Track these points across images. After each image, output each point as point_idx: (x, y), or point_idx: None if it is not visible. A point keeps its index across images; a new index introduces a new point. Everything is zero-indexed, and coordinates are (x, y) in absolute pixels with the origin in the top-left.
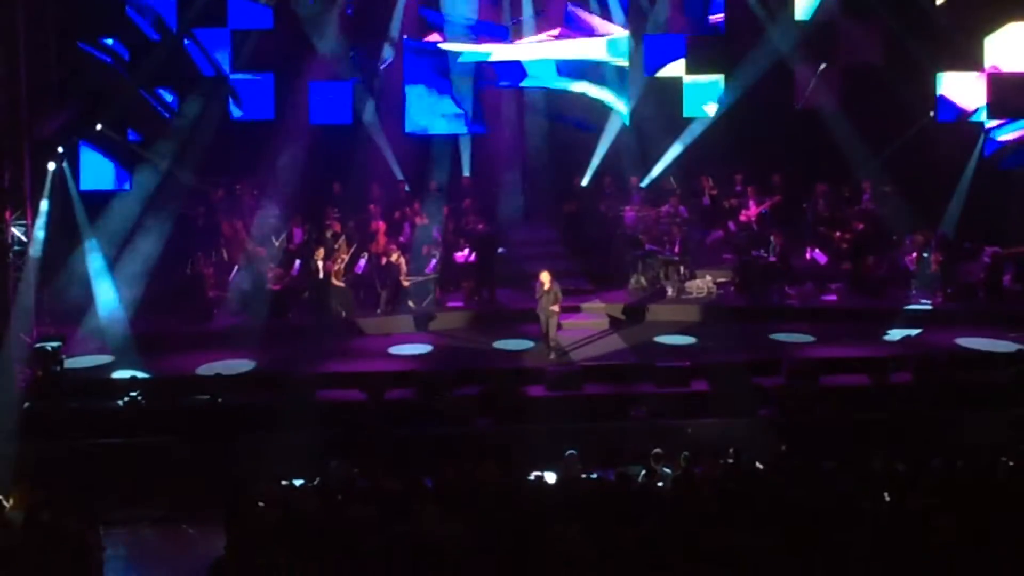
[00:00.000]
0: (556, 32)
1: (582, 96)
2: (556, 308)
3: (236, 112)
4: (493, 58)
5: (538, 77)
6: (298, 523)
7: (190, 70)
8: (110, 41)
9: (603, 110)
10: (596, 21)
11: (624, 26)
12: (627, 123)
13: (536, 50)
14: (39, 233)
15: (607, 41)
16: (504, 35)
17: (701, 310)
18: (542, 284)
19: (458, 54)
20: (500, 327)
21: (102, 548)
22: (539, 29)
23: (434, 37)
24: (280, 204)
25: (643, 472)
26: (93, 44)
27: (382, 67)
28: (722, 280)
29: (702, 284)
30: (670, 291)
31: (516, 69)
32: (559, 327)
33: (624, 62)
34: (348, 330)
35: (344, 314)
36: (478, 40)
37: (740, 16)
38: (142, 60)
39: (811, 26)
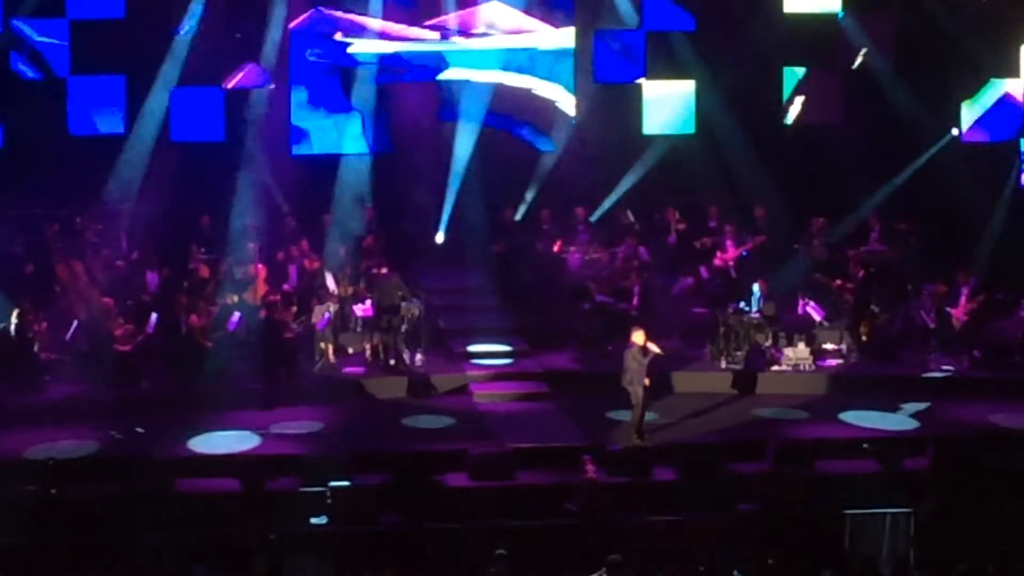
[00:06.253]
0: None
1: (528, 95)
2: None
3: (76, 126)
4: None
5: (464, 67)
6: None
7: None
8: None
9: (551, 117)
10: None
11: (569, 18)
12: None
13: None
14: None
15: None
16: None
17: (665, 378)
18: (641, 348)
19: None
20: (411, 400)
21: None
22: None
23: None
24: (132, 241)
25: None
26: None
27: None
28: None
29: (668, 345)
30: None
31: (432, 56)
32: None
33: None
34: (224, 402)
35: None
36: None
37: (715, 8)
38: None
39: (804, 20)
